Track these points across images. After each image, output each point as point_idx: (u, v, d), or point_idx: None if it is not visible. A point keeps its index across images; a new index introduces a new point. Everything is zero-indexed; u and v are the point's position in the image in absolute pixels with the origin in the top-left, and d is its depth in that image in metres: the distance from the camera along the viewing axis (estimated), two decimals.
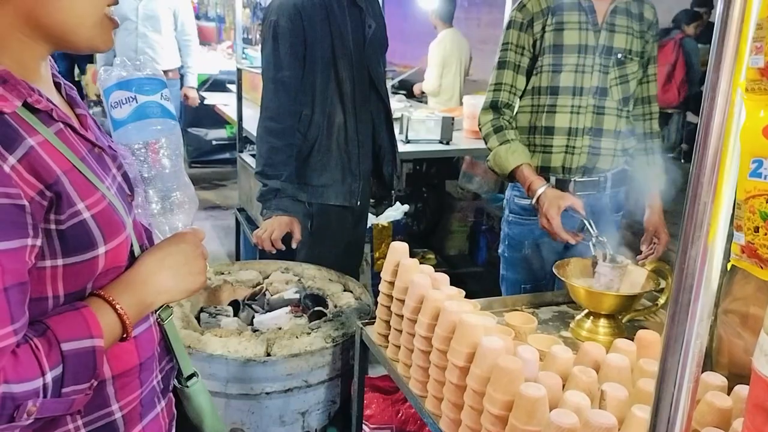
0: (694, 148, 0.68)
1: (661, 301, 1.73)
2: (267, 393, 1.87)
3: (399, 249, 1.64)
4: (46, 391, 0.79)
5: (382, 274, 1.65)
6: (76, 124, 0.92)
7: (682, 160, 6.42)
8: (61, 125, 0.88)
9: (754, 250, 0.86)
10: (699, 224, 0.69)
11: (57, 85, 0.97)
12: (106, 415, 0.94)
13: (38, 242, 0.81)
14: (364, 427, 2.00)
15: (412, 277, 1.51)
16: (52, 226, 0.82)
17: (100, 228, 0.87)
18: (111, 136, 1.03)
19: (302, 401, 1.92)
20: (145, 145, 1.03)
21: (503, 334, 1.39)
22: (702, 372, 1.13)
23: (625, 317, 1.74)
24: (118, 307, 0.89)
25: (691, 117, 6.53)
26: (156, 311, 1.03)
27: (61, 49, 0.91)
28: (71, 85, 1.02)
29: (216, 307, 2.22)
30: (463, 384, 1.27)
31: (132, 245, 0.95)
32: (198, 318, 2.16)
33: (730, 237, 0.87)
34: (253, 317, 2.15)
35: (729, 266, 1.01)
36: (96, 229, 0.86)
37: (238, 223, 4.00)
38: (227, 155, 6.74)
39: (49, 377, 0.79)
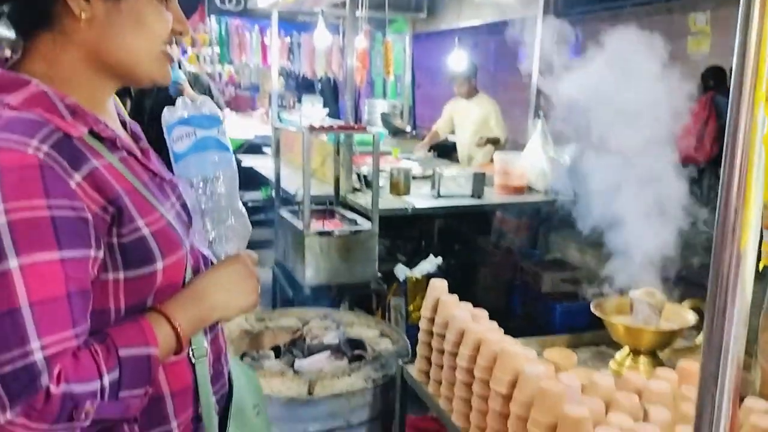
0: (722, 157, 0.74)
1: (700, 338, 1.73)
2: None
3: (438, 286, 1.69)
4: (104, 392, 0.84)
5: (422, 311, 1.70)
6: (139, 154, 1.00)
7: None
8: (125, 153, 0.96)
9: None
10: (731, 228, 0.74)
11: (122, 123, 1.06)
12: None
13: (100, 254, 0.87)
14: None
15: (453, 311, 1.56)
16: (114, 240, 0.89)
17: (158, 244, 0.93)
18: (172, 171, 1.11)
19: None
20: (203, 179, 1.12)
21: (544, 365, 1.42)
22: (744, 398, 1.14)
23: (666, 355, 1.75)
24: (173, 320, 0.94)
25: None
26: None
27: (126, 84, 1.00)
28: (135, 122, 1.11)
29: (258, 352, 2.27)
30: (506, 411, 1.29)
31: (187, 267, 1.02)
32: None
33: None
34: (294, 362, 2.20)
35: (761, 266, 1.04)
36: (155, 245, 0.93)
37: (274, 278, 4.07)
38: (262, 216, 6.88)
39: (106, 380, 0.84)
